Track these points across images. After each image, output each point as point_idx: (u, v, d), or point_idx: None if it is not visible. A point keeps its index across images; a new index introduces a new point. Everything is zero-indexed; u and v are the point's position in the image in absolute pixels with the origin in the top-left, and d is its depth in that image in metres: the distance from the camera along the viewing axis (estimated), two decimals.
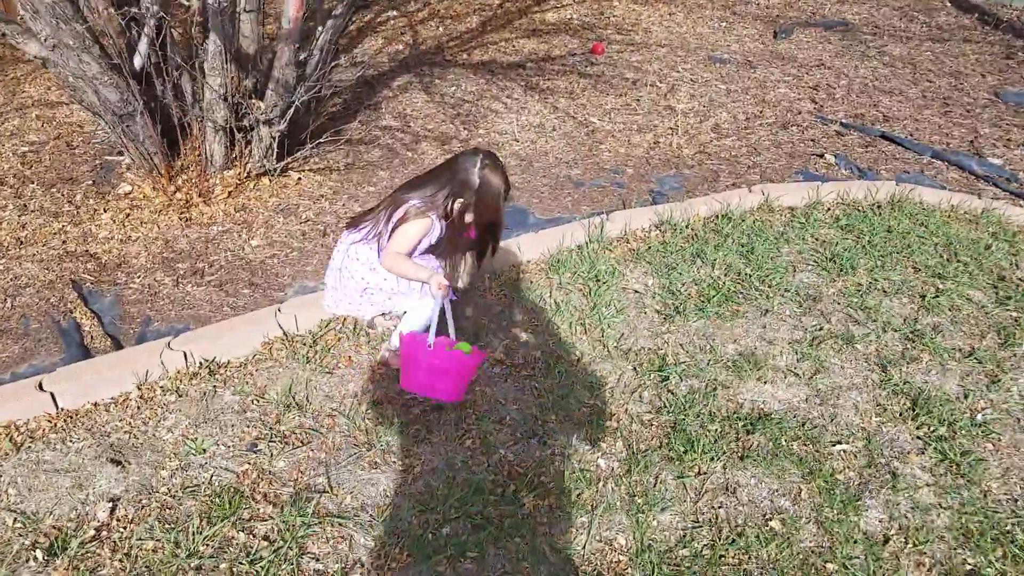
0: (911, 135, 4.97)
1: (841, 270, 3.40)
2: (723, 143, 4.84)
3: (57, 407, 2.37)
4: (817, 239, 3.63)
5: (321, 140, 3.93)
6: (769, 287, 3.27)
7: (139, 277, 3.09)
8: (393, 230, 2.50)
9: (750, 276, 3.33)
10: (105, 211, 3.46)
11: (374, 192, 3.98)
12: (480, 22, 7.06)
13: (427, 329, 2.39)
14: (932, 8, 7.84)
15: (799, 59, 6.36)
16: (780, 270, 3.38)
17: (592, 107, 5.38)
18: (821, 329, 3.05)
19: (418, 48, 6.28)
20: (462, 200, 2.48)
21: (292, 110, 3.71)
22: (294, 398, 2.53)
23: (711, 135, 4.96)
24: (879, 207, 3.87)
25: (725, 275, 3.35)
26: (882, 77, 6.01)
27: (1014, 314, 3.19)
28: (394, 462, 2.33)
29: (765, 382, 2.77)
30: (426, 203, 2.49)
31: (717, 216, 3.76)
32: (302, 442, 2.37)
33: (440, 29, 6.76)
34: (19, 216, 3.39)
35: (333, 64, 4.07)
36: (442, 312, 2.41)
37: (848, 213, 3.81)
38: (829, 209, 3.87)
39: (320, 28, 4.15)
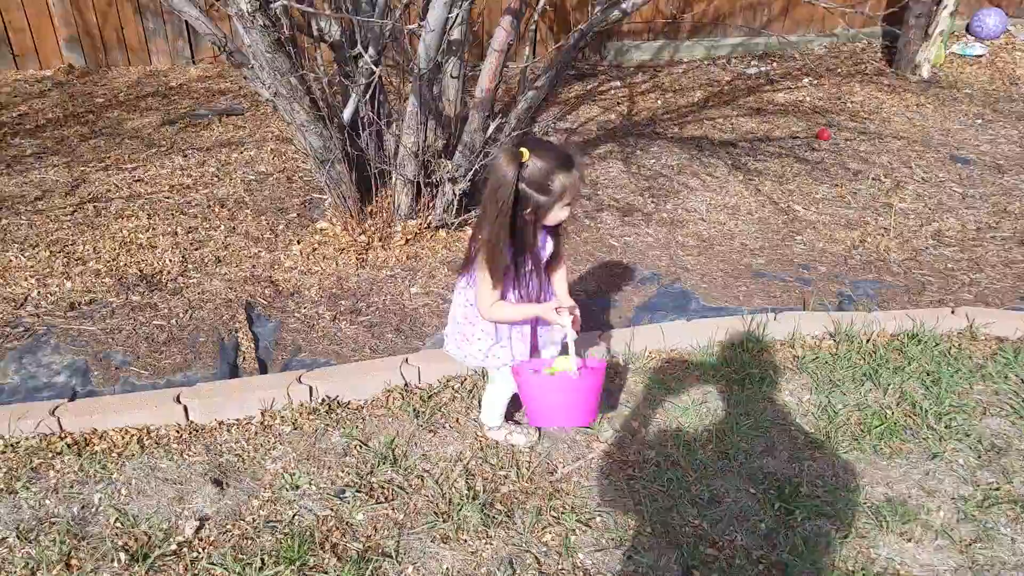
0: None
1: None
2: (941, 252, 4.23)
3: (188, 419, 2.55)
4: (1023, 381, 3.00)
5: None
6: (947, 428, 2.74)
7: (305, 308, 3.28)
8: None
9: (926, 411, 2.81)
10: (298, 243, 3.74)
11: None
12: (703, 97, 6.86)
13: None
14: None
15: None
16: (965, 410, 2.83)
17: (800, 194, 4.96)
18: (998, 489, 2.49)
19: (631, 119, 6.21)
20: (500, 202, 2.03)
21: (474, 171, 3.80)
22: (392, 451, 2.51)
23: (929, 242, 4.36)
24: None
25: (897, 405, 2.86)
26: None
27: None
28: (465, 541, 2.22)
29: (909, 539, 2.30)
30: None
31: (906, 335, 3.25)
32: (386, 498, 2.33)
33: (659, 102, 6.66)
34: (225, 237, 3.76)
35: (524, 131, 4.12)
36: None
37: None
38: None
39: (521, 97, 4.24)
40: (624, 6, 4.21)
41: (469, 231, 4.03)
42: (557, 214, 2.10)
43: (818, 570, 2.19)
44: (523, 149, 1.99)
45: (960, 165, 5.47)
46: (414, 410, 2.69)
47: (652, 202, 4.76)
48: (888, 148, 5.77)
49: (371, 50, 3.68)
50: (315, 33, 3.67)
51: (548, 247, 2.29)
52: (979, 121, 6.45)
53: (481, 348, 2.37)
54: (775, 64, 7.90)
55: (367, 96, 3.76)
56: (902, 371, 3.02)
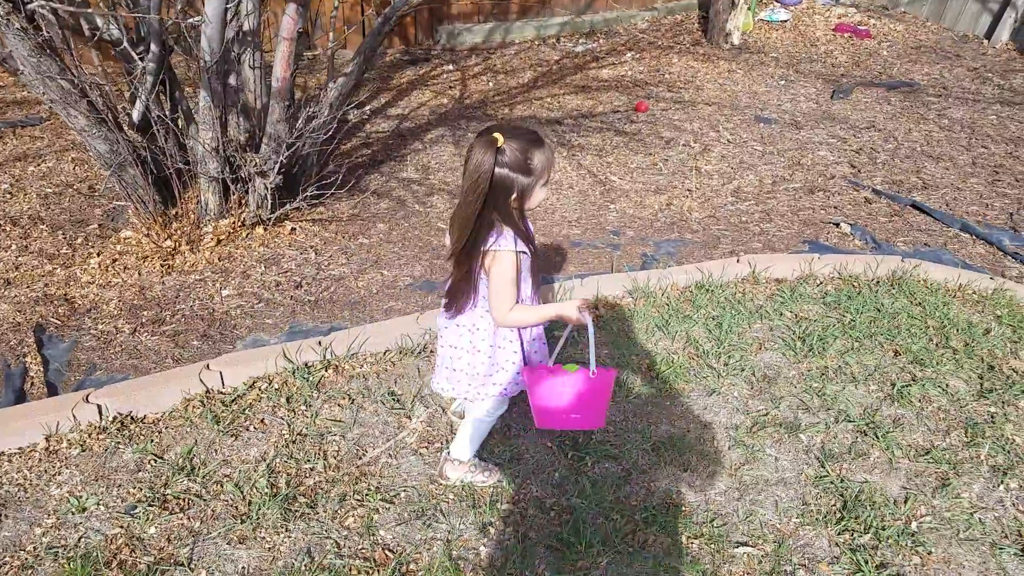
0: (947, 204, 4.46)
1: (810, 351, 3.02)
2: (738, 207, 4.50)
3: None
4: (796, 316, 3.26)
5: (315, 192, 3.90)
6: (725, 365, 2.94)
7: (102, 324, 3.11)
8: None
9: (708, 353, 3.00)
10: (97, 255, 3.53)
11: (366, 244, 3.91)
12: (533, 77, 6.97)
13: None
14: (1010, 70, 7.15)
15: (850, 120, 5.91)
16: (743, 347, 3.04)
17: (617, 165, 5.15)
18: (766, 415, 2.70)
19: (462, 102, 6.24)
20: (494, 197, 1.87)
21: (282, 163, 3.70)
22: (190, 461, 2.43)
23: (729, 199, 4.63)
24: (877, 283, 3.45)
25: (683, 349, 3.04)
26: (934, 142, 5.48)
27: (991, 409, 2.73)
28: (263, 538, 2.19)
29: (686, 469, 2.46)
30: (495, 235, 1.91)
31: (696, 286, 3.46)
32: (181, 508, 2.26)
33: (491, 84, 6.72)
34: (16, 256, 3.50)
35: (336, 118, 4.05)
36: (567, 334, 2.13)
37: (840, 289, 3.42)
38: (821, 284, 3.48)
39: (331, 84, 4.17)
40: None
41: (290, 227, 3.94)
42: (539, 194, 1.94)
43: (604, 509, 2.30)
44: (496, 134, 1.84)
45: (763, 125, 5.83)
46: (215, 417, 2.61)
47: None
48: (700, 115, 6.06)
49: (154, 46, 3.51)
50: (87, 32, 3.46)
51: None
52: (782, 82, 6.88)
53: (500, 376, 2.14)
54: (601, 41, 8.11)
55: (157, 94, 3.59)
56: (690, 319, 3.21)
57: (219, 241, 3.71)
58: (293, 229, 3.92)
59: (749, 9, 8.37)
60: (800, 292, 3.38)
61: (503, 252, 1.89)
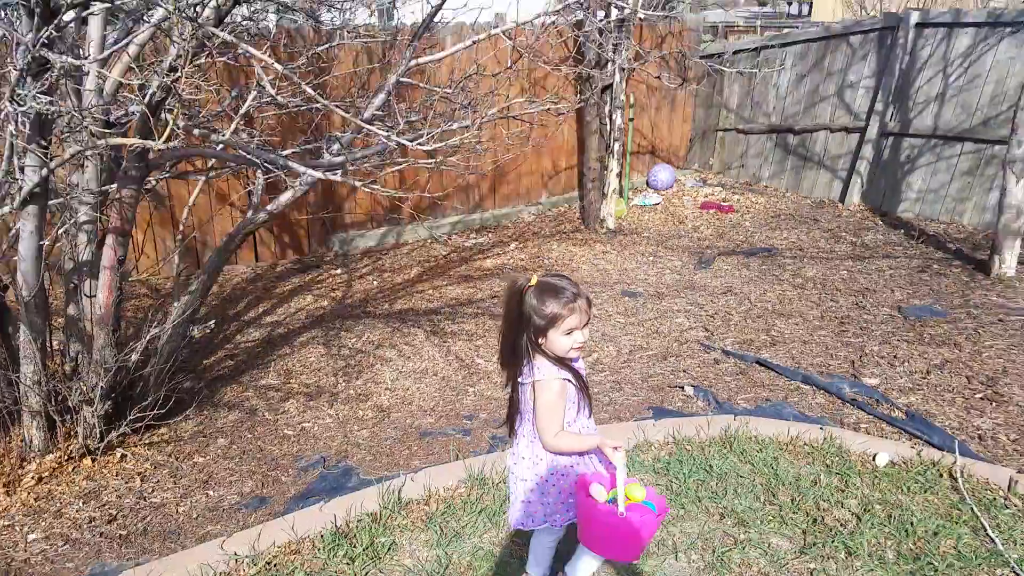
0: (793, 358, 4.55)
1: None
2: (593, 379, 4.51)
3: None
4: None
5: (158, 413, 3.77)
6: None
7: None
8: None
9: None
10: None
11: (200, 463, 3.73)
12: (419, 272, 7.16)
13: None
14: (863, 228, 7.68)
15: (709, 287, 6.15)
16: None
17: (486, 348, 5.18)
18: None
19: (343, 302, 6.31)
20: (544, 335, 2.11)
21: (112, 389, 3.60)
22: None
23: (586, 372, 4.65)
24: (709, 444, 3.40)
25: (511, 542, 2.88)
26: (787, 300, 5.70)
27: (811, 565, 2.59)
28: None
29: None
30: (531, 366, 2.17)
31: None
32: None
33: (375, 283, 6.85)
34: None
35: (185, 335, 4.03)
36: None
37: (672, 454, 3.35)
38: (655, 449, 3.42)
39: (176, 304, 4.19)
40: (270, 208, 4.39)
41: (119, 454, 3.75)
42: (559, 342, 2.12)
43: None
44: (532, 275, 2.15)
45: (628, 298, 6.02)
46: None
47: (344, 381, 4.74)
48: None
49: None
50: None
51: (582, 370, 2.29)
52: (651, 258, 7.22)
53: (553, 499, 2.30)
54: (491, 235, 8.51)
55: None
56: None
57: (40, 479, 3.50)
58: (124, 456, 3.74)
59: (622, 196, 8.97)
60: (633, 460, 3.30)
61: (544, 381, 2.13)
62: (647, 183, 9.79)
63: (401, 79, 4.18)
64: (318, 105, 4.04)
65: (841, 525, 2.82)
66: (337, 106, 3.26)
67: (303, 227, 7.76)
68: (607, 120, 7.54)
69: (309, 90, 2.90)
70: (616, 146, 7.71)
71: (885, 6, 14.28)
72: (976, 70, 7.38)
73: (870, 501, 2.96)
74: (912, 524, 2.79)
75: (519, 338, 2.15)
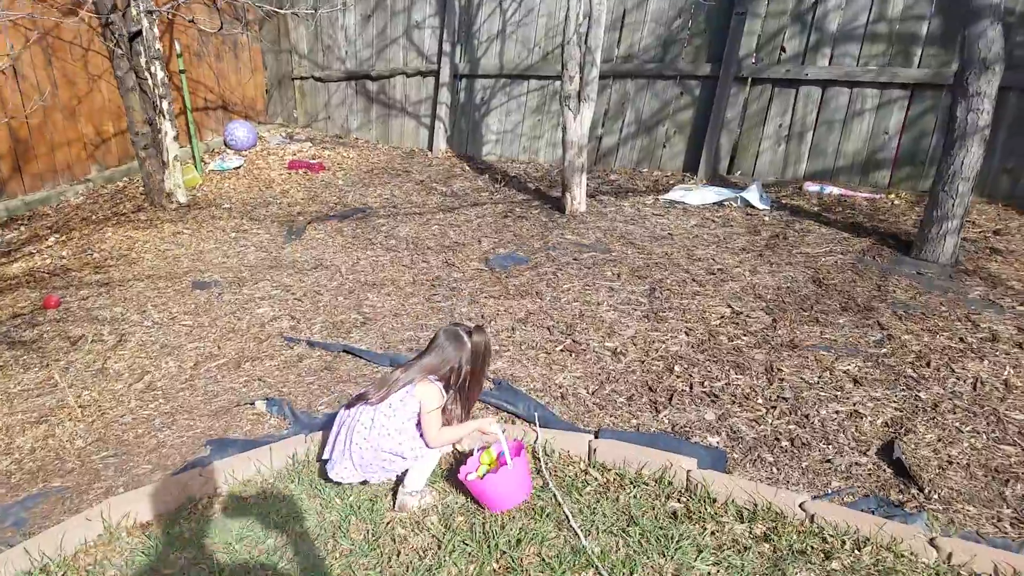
0: (383, 337, 4.06)
1: None
2: (138, 415, 3.50)
3: None
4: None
5: None
6: None
7: None
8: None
9: None
10: None
11: None
12: None
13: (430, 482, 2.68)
14: (452, 176, 7.53)
15: (299, 263, 5.40)
16: None
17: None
18: None
19: None
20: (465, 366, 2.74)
21: None
22: None
23: (132, 405, 3.60)
24: (275, 480, 2.73)
25: None
26: (379, 266, 5.21)
27: None
28: None
29: None
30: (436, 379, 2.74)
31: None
32: None
33: None
34: None
35: None
36: None
37: (211, 518, 2.61)
38: (192, 522, 2.63)
39: None
40: None
41: None
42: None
43: None
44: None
45: (200, 292, 4.99)
46: None
47: None
48: (127, 295, 5.02)
49: None
50: None
51: None
52: (234, 235, 6.20)
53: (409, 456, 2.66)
54: (23, 228, 6.67)
55: None
56: None
57: None
58: None
59: (194, 163, 7.72)
60: (175, 532, 2.48)
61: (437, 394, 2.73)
62: (225, 143, 8.62)
63: None
64: None
65: (419, 556, 2.35)
66: None
67: None
68: (146, 75, 6.21)
69: None
70: (165, 104, 6.42)
71: None
72: (530, 3, 7.35)
73: (448, 516, 2.55)
74: (495, 537, 2.43)
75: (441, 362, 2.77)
